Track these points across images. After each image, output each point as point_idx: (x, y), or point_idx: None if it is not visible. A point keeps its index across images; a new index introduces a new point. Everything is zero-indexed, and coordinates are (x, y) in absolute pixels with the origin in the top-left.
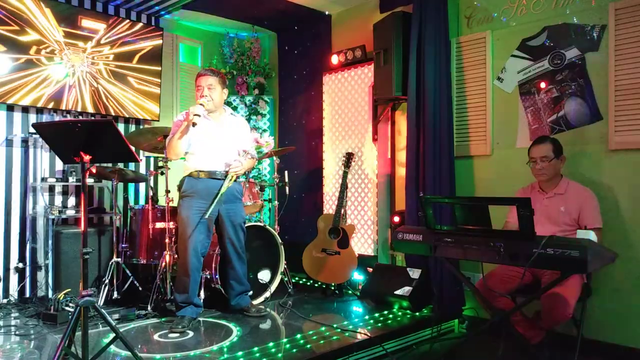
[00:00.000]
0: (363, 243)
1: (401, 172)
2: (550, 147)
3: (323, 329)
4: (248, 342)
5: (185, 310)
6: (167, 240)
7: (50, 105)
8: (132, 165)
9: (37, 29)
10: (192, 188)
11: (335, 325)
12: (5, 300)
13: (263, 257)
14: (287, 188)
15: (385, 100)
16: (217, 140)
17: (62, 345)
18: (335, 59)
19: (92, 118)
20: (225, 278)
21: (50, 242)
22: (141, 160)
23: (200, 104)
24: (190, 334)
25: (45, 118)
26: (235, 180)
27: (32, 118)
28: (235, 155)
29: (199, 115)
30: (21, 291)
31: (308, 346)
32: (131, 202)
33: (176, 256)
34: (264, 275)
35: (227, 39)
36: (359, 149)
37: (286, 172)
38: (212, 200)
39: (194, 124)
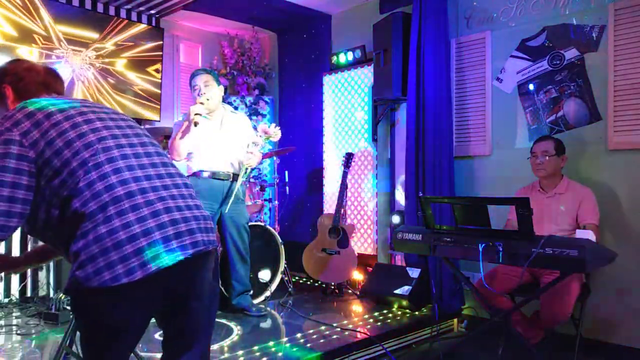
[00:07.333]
0: (363, 242)
1: (401, 172)
2: (552, 144)
3: (323, 328)
4: (248, 341)
5: None
6: None
7: None
8: None
9: (36, 30)
10: (195, 188)
11: (335, 325)
12: (6, 300)
13: (263, 256)
14: (287, 188)
15: (385, 100)
16: (219, 139)
17: (63, 344)
18: (335, 60)
19: None
20: (226, 278)
21: None
22: None
23: (201, 103)
24: None
25: None
26: (249, 173)
27: None
28: (238, 153)
29: (201, 115)
30: (22, 291)
31: (308, 345)
32: None
33: None
34: (264, 275)
35: (227, 40)
36: (359, 149)
37: (286, 172)
38: (225, 196)
39: (196, 124)
